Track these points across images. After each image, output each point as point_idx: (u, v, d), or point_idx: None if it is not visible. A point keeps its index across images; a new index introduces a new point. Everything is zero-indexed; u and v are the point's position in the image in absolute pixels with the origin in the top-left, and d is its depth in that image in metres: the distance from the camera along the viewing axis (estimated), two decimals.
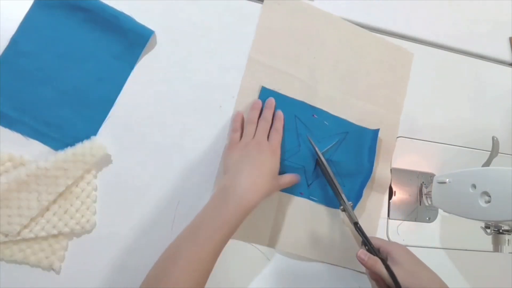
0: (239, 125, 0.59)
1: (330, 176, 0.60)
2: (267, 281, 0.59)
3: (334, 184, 0.60)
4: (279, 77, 0.62)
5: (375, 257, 0.55)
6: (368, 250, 0.57)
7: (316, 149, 0.60)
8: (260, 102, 0.60)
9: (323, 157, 0.61)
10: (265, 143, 0.56)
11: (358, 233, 0.59)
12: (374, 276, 0.57)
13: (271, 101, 0.60)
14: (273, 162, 0.56)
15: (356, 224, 0.59)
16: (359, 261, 0.56)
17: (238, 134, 0.58)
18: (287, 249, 0.60)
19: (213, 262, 0.48)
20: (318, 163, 0.62)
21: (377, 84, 0.67)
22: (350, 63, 0.66)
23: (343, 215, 0.62)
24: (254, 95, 0.61)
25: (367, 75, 0.67)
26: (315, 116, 0.63)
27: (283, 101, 0.62)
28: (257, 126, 0.58)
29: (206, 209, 0.51)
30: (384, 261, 0.54)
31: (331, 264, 0.61)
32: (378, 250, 0.57)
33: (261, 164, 0.54)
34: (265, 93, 0.61)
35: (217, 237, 0.48)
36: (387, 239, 0.64)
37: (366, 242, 0.57)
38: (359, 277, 0.61)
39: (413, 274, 0.53)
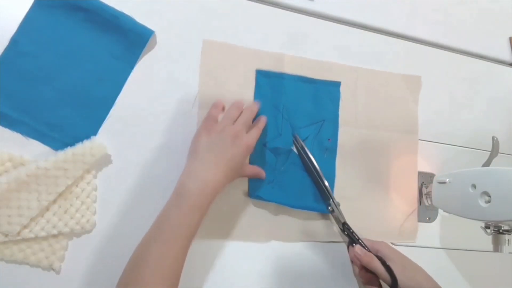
0: (222, 104, 0.57)
1: (317, 174, 0.59)
2: (267, 281, 0.59)
3: (322, 183, 0.59)
4: None
5: (371, 254, 0.56)
6: None
7: (306, 148, 0.60)
8: (242, 101, 0.58)
9: (311, 154, 0.60)
10: (243, 137, 0.53)
11: (345, 234, 0.59)
12: (365, 277, 0.58)
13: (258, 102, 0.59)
14: (243, 157, 0.54)
15: (344, 225, 0.59)
16: (356, 257, 0.56)
17: (218, 111, 0.56)
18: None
19: (182, 258, 0.47)
20: (303, 161, 0.61)
21: (389, 111, 0.67)
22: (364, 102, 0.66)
23: (330, 216, 0.62)
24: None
25: (379, 107, 0.67)
26: None
27: (282, 79, 0.61)
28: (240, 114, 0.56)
29: (168, 206, 0.49)
30: (379, 257, 0.55)
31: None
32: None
33: (229, 159, 0.52)
34: (261, 75, 0.61)
35: (182, 233, 0.47)
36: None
37: (356, 242, 0.58)
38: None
39: (406, 268, 0.54)
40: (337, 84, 0.65)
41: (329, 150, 0.63)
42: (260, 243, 0.59)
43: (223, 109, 0.57)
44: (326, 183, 0.60)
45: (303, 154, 0.61)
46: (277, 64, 0.62)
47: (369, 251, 0.57)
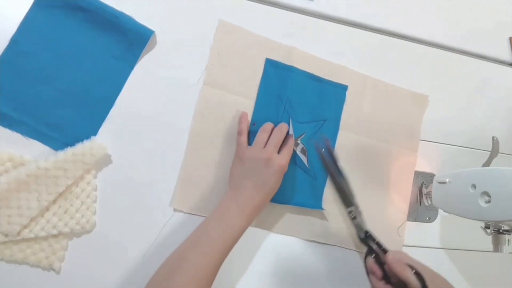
0: (245, 127, 0.58)
1: (345, 182, 0.59)
2: (266, 281, 0.59)
3: (349, 189, 0.59)
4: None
5: (403, 263, 0.52)
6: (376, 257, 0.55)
7: (335, 155, 0.60)
8: (271, 123, 0.59)
9: (337, 157, 0.60)
10: (275, 159, 0.54)
11: (364, 242, 0.57)
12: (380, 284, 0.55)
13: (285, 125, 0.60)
14: (278, 181, 0.55)
15: (366, 233, 0.57)
16: (389, 265, 0.52)
17: (245, 137, 0.57)
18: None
19: (215, 271, 0.49)
20: (325, 166, 0.61)
21: (392, 125, 0.67)
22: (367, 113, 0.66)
23: (350, 222, 0.60)
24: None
25: (383, 119, 0.67)
26: None
27: (290, 72, 0.62)
28: (270, 135, 0.57)
29: (210, 220, 0.52)
30: (412, 267, 0.51)
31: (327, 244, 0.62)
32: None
33: (264, 182, 0.54)
34: (270, 64, 0.61)
35: (219, 248, 0.49)
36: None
37: (378, 251, 0.55)
38: (359, 278, 0.61)
39: (432, 276, 0.52)
40: (344, 87, 0.65)
41: (325, 150, 0.63)
42: (261, 234, 0.60)
43: (248, 126, 0.59)
44: (352, 189, 0.60)
45: (330, 159, 0.61)
46: (287, 56, 0.62)
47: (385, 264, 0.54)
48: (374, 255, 0.56)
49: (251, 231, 0.58)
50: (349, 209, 0.59)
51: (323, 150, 0.61)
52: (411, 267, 0.51)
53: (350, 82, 0.65)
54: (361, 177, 0.64)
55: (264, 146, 0.56)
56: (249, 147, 0.56)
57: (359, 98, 0.66)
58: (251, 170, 0.54)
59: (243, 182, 0.54)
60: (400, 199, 0.66)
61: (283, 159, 0.56)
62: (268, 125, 0.59)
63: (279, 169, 0.55)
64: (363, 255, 0.58)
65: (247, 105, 0.61)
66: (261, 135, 0.57)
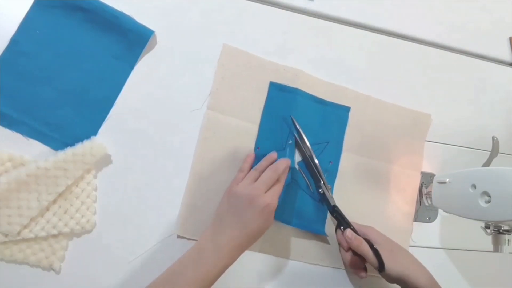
0: (248, 166, 0.57)
1: (309, 154, 0.60)
2: (266, 281, 0.59)
3: (315, 164, 0.60)
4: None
5: (360, 238, 0.57)
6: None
7: (301, 131, 0.60)
8: (276, 154, 0.58)
9: (304, 133, 0.60)
10: (260, 198, 0.51)
11: (334, 216, 0.60)
12: (352, 260, 0.59)
13: (288, 161, 0.57)
14: (264, 220, 0.51)
15: (334, 207, 0.60)
16: (346, 240, 0.57)
17: (246, 170, 0.56)
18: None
19: None
20: (297, 144, 0.61)
21: (395, 145, 0.67)
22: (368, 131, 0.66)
23: (321, 197, 0.61)
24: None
25: (385, 139, 0.67)
26: None
27: (295, 94, 0.62)
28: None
29: (185, 260, 0.49)
30: (367, 241, 0.56)
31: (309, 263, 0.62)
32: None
33: (246, 222, 0.50)
34: (274, 87, 0.61)
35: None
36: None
37: (345, 225, 0.59)
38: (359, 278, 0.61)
39: (393, 252, 0.56)
40: (346, 109, 0.65)
41: (329, 173, 0.63)
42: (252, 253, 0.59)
43: (252, 162, 0.58)
44: (317, 163, 0.60)
45: (296, 136, 0.61)
46: (292, 79, 0.62)
47: (358, 234, 0.58)
48: (342, 227, 0.59)
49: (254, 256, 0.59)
50: (318, 185, 0.61)
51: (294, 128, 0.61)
52: (369, 242, 0.55)
53: (352, 103, 0.65)
54: (366, 197, 0.64)
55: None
56: (240, 182, 0.54)
57: (361, 118, 0.66)
58: (234, 207, 0.52)
59: (225, 219, 0.51)
60: (404, 218, 0.66)
61: (270, 197, 0.52)
62: (264, 166, 0.56)
63: (264, 208, 0.51)
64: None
65: (251, 129, 0.60)
66: (253, 173, 0.55)
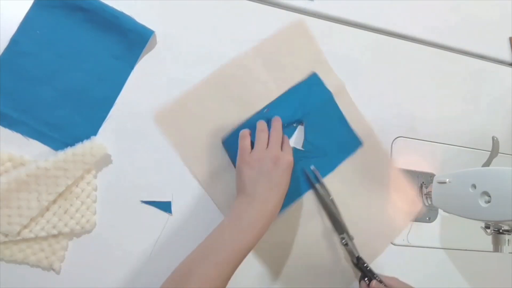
0: (248, 132, 0.57)
1: (331, 206, 0.60)
2: (265, 281, 0.59)
3: (338, 216, 0.59)
4: None
5: None
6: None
7: (324, 184, 0.61)
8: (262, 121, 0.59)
9: (325, 186, 0.61)
10: (282, 157, 0.54)
11: (358, 268, 0.59)
12: None
13: (277, 117, 0.60)
14: (289, 177, 0.54)
15: (358, 259, 0.58)
16: None
17: (248, 140, 0.56)
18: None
19: (226, 282, 0.47)
20: (318, 195, 0.61)
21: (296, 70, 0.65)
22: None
23: (342, 248, 0.61)
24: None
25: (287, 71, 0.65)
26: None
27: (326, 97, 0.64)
28: (269, 136, 0.57)
29: (221, 230, 0.50)
30: None
31: None
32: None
33: (277, 183, 0.53)
34: (314, 79, 0.63)
35: (233, 258, 0.47)
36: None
37: (370, 276, 0.57)
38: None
39: None
40: (359, 143, 0.65)
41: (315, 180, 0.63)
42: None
43: (250, 134, 0.58)
44: (342, 218, 0.60)
45: (321, 190, 0.61)
46: (333, 87, 0.64)
47: (385, 285, 0.56)
48: (366, 279, 0.57)
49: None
50: (341, 236, 0.60)
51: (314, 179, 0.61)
52: None
53: (241, 71, 0.62)
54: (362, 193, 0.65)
55: (267, 146, 0.55)
56: (253, 150, 0.55)
57: (255, 72, 0.63)
58: (261, 173, 0.52)
59: (256, 187, 0.52)
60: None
61: (289, 154, 0.56)
62: (262, 124, 0.58)
63: (289, 165, 0.54)
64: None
65: (273, 91, 0.62)
66: (262, 135, 0.56)
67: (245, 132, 0.57)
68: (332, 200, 0.61)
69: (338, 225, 0.60)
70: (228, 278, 0.47)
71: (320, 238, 0.61)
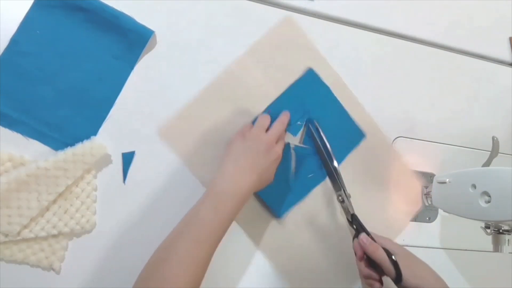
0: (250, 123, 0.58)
1: (330, 160, 0.60)
2: (265, 281, 0.59)
3: (335, 170, 0.59)
4: None
5: (376, 244, 0.55)
6: None
7: (320, 130, 0.61)
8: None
9: (327, 139, 0.61)
10: (275, 148, 0.54)
11: (352, 225, 0.59)
12: (367, 272, 0.57)
13: (287, 112, 0.60)
14: (274, 171, 0.55)
15: (353, 216, 0.59)
16: (361, 245, 0.56)
17: (251, 124, 0.58)
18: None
19: (208, 259, 0.46)
20: (318, 149, 0.62)
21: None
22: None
23: (339, 205, 0.62)
24: None
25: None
26: None
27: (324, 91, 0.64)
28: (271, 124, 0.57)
29: (201, 203, 0.49)
30: (385, 250, 0.54)
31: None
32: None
33: (263, 167, 0.52)
34: (310, 74, 0.63)
35: (212, 233, 0.47)
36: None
37: (365, 232, 0.57)
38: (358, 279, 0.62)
39: (412, 264, 0.53)
40: (362, 135, 0.66)
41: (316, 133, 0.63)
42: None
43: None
44: (339, 170, 0.60)
45: (317, 138, 0.61)
46: (327, 77, 0.64)
47: (374, 240, 0.56)
48: (355, 235, 0.58)
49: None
50: (338, 193, 0.60)
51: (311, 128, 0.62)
52: (387, 251, 0.53)
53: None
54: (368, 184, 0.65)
55: (266, 131, 0.55)
56: (253, 127, 0.56)
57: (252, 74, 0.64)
58: (251, 150, 0.52)
59: (241, 160, 0.51)
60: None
61: (280, 149, 0.56)
62: (266, 115, 0.58)
63: (277, 158, 0.54)
64: None
65: (271, 93, 0.62)
66: (263, 119, 0.56)
67: (251, 122, 0.57)
68: (331, 155, 0.60)
69: (336, 183, 0.60)
70: (210, 255, 0.46)
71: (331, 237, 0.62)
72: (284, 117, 0.59)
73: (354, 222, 0.59)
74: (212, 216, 0.47)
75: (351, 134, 0.65)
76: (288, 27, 0.64)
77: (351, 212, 0.59)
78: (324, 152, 0.61)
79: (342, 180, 0.60)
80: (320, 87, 0.64)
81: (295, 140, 0.62)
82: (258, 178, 0.52)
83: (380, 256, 0.53)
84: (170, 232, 0.48)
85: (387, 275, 0.54)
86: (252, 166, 0.52)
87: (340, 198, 0.60)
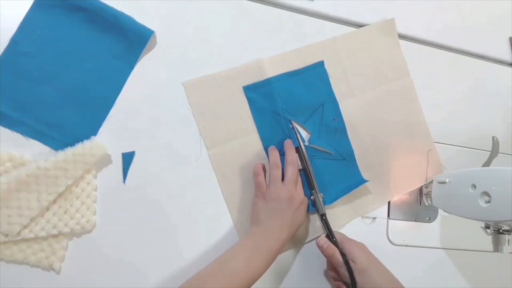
0: (260, 167, 0.58)
1: (306, 162, 0.60)
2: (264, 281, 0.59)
3: (308, 169, 0.60)
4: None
5: (334, 247, 0.56)
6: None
7: (297, 133, 0.61)
8: (274, 148, 0.60)
9: (301, 139, 0.61)
10: (296, 196, 0.56)
11: (323, 225, 0.60)
12: (332, 271, 0.58)
13: (290, 142, 0.60)
14: (302, 215, 0.57)
15: (322, 216, 0.59)
16: (318, 248, 0.57)
17: (262, 176, 0.58)
18: None
19: None
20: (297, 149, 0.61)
21: (377, 65, 0.68)
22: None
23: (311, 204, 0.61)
24: None
25: (366, 66, 0.67)
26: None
27: (269, 85, 0.62)
28: (283, 170, 0.58)
29: (234, 255, 0.52)
30: (342, 253, 0.55)
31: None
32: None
33: (290, 221, 0.55)
34: (248, 91, 0.61)
35: (241, 284, 0.49)
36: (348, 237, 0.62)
37: (329, 235, 0.58)
38: None
39: (367, 271, 0.54)
40: (321, 64, 0.65)
41: (338, 130, 0.64)
42: None
43: (264, 168, 0.59)
44: (311, 168, 0.60)
45: (294, 139, 0.61)
46: (259, 72, 0.62)
47: (337, 245, 0.57)
48: (326, 235, 0.59)
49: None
50: (311, 191, 0.60)
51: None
52: (342, 253, 0.55)
53: (323, 55, 0.65)
54: (378, 130, 0.66)
55: (282, 180, 0.57)
56: (269, 186, 0.57)
57: (337, 63, 0.66)
58: (276, 210, 0.55)
59: (270, 222, 0.54)
60: (419, 133, 0.68)
61: (302, 193, 0.58)
62: (277, 159, 0.58)
63: (301, 204, 0.56)
64: None
65: (254, 139, 0.61)
66: (275, 172, 0.57)
67: (258, 169, 0.58)
68: (304, 153, 0.60)
69: (309, 181, 0.60)
70: None
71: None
72: (291, 157, 0.58)
73: (323, 223, 0.59)
74: (244, 270, 0.50)
75: (316, 75, 0.64)
76: (194, 88, 0.60)
77: (321, 213, 0.59)
78: (300, 153, 0.61)
79: (314, 178, 0.60)
80: (265, 87, 0.62)
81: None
82: (288, 231, 0.55)
83: (336, 261, 0.55)
84: (206, 267, 0.51)
85: (343, 278, 0.56)
86: (281, 225, 0.54)
87: (312, 197, 0.60)
